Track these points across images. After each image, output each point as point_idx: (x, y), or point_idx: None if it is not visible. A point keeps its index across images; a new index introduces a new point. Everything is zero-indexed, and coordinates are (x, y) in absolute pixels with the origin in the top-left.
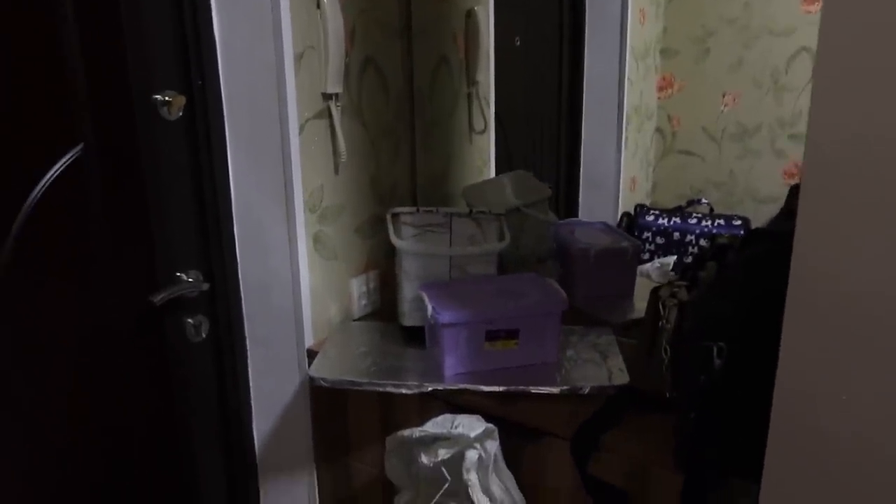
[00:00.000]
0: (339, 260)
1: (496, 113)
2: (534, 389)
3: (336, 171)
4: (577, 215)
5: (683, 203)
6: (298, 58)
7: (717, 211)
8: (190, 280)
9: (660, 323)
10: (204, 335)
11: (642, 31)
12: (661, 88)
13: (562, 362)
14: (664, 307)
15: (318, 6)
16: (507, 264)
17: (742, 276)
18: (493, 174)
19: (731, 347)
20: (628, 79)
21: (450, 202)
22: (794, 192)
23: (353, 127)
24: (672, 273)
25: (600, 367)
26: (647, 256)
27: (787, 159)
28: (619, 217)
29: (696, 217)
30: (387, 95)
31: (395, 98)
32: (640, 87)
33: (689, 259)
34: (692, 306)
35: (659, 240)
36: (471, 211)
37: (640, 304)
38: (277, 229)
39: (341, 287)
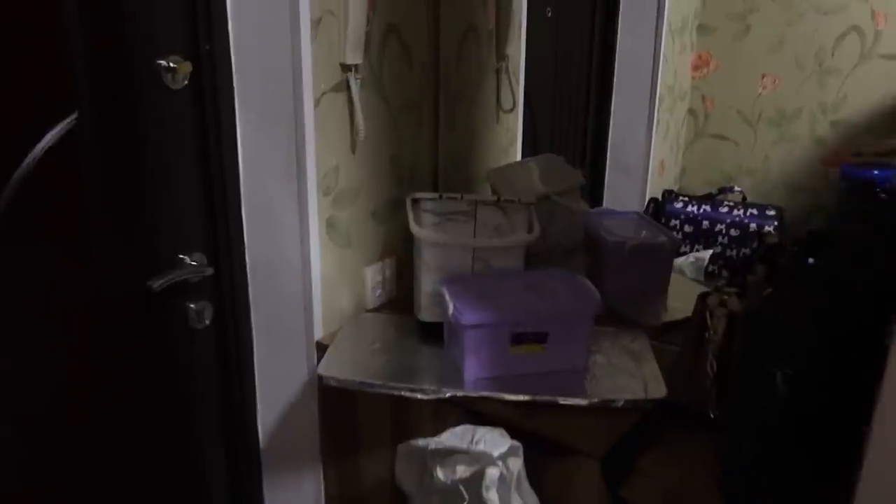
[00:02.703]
0: (352, 247)
1: (525, 90)
2: (562, 400)
3: (353, 150)
4: (602, 199)
5: (714, 190)
6: (316, 24)
7: (749, 199)
8: (193, 263)
9: (706, 333)
10: (207, 322)
11: (680, 4)
12: (695, 67)
13: (591, 369)
14: (712, 316)
15: None
16: (532, 256)
17: (827, 299)
18: (519, 156)
19: (799, 375)
20: (663, 55)
21: (473, 185)
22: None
23: (373, 101)
24: (710, 268)
25: (634, 376)
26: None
27: (827, 147)
28: (646, 202)
29: (727, 205)
30: (410, 67)
31: (419, 70)
32: (675, 65)
33: (730, 253)
34: (748, 319)
35: (687, 228)
36: (498, 199)
37: (675, 304)
38: (288, 212)
39: (355, 275)
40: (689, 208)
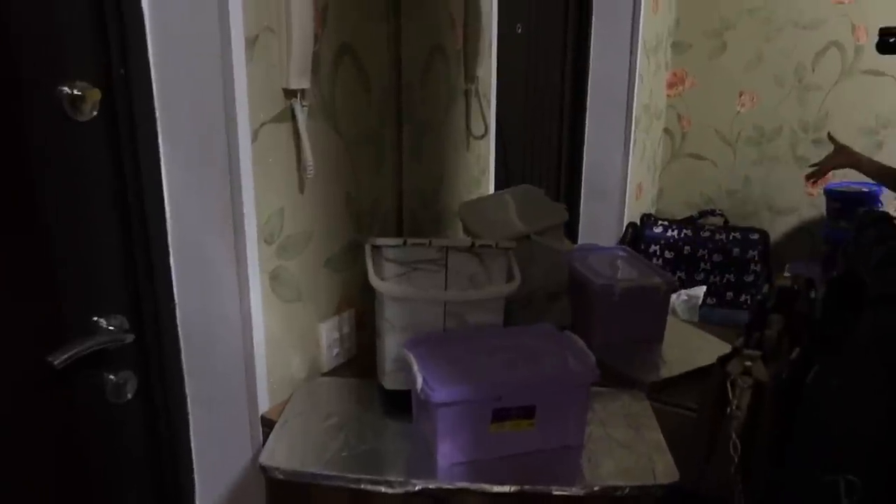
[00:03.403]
0: (303, 301)
1: (496, 113)
2: (556, 490)
3: (301, 189)
4: (578, 225)
5: (694, 213)
6: (251, 43)
7: (731, 222)
8: (111, 328)
9: (728, 409)
10: (129, 395)
11: (654, 21)
12: (671, 86)
13: (587, 444)
14: (734, 387)
15: None
16: (512, 302)
17: (883, 385)
18: (491, 186)
19: (870, 484)
20: (639, 74)
21: (443, 223)
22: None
23: (324, 132)
24: (703, 308)
25: (637, 452)
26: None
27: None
28: (624, 227)
29: (709, 229)
30: (367, 92)
31: (378, 95)
32: (650, 84)
33: (713, 279)
34: (782, 395)
35: (668, 254)
36: (472, 244)
37: (673, 354)
38: (224, 265)
39: (307, 334)
40: (670, 233)
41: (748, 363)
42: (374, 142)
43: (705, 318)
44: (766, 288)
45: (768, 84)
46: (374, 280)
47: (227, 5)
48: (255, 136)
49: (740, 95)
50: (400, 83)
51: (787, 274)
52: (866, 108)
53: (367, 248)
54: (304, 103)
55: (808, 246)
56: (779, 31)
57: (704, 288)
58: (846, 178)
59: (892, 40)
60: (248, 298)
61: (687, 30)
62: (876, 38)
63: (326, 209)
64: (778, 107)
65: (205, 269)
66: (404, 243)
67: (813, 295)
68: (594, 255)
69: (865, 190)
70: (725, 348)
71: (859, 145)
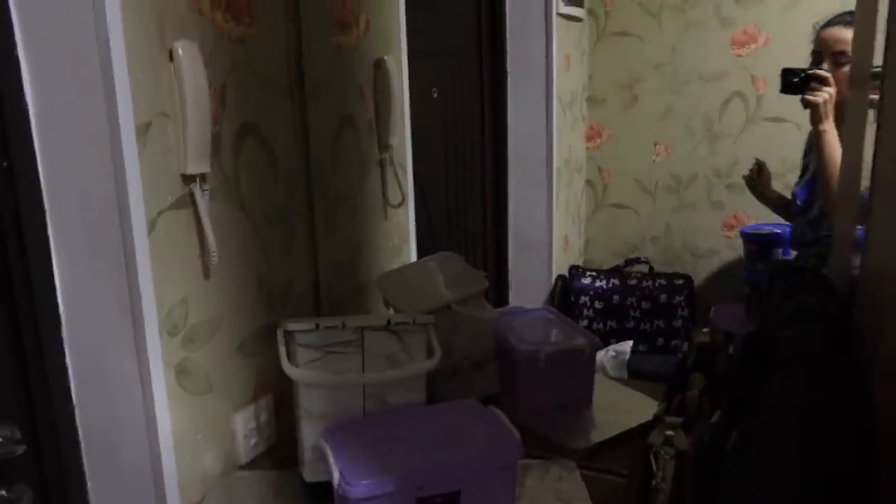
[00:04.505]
0: (215, 392)
1: (414, 178)
2: None
3: (206, 275)
4: (507, 282)
5: (620, 262)
6: (144, 129)
7: (656, 269)
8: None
9: (653, 482)
10: None
11: (568, 77)
12: (589, 138)
13: None
14: (657, 458)
15: (171, 58)
16: (436, 374)
17: (799, 437)
18: (414, 254)
19: None
20: (556, 129)
21: (363, 295)
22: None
23: (229, 214)
24: (635, 356)
25: None
26: (584, 323)
27: (725, 210)
28: (553, 280)
29: (635, 277)
30: (274, 170)
31: (286, 172)
32: (569, 139)
33: (643, 326)
34: (701, 462)
35: (598, 304)
36: (388, 322)
37: (602, 417)
38: (124, 363)
39: (220, 427)
40: (598, 283)
41: (669, 432)
42: (283, 219)
43: (636, 368)
44: (685, 346)
45: (680, 134)
46: (287, 367)
47: (115, 92)
48: (151, 225)
49: (655, 145)
50: (309, 158)
51: (705, 329)
52: (772, 152)
53: (280, 334)
54: (205, 187)
55: (730, 288)
56: (685, 83)
57: (631, 342)
58: (759, 220)
59: (796, 80)
60: (151, 395)
61: (599, 84)
62: (776, 86)
63: (235, 294)
64: (691, 155)
65: (104, 367)
66: (317, 326)
67: (731, 350)
68: (518, 318)
69: (779, 231)
70: (653, 407)
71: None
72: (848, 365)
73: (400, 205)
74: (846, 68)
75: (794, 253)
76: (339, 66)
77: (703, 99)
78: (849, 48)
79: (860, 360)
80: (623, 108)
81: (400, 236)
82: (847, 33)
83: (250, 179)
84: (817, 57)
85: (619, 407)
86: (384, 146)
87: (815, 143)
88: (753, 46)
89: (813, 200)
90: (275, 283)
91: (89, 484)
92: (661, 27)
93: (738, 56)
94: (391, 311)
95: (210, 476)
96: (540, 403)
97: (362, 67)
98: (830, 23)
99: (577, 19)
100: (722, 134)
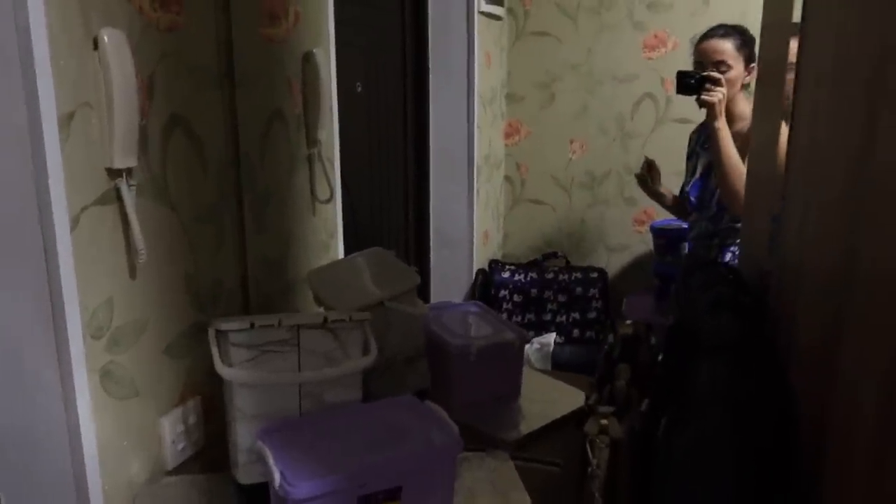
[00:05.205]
0: (141, 395)
1: (341, 175)
2: None
3: (132, 274)
4: (429, 276)
5: (538, 256)
6: (66, 121)
7: (572, 263)
8: None
9: (588, 469)
10: None
11: (489, 74)
12: (507, 135)
13: None
14: (593, 447)
15: (96, 47)
16: (370, 370)
17: (730, 435)
18: (341, 249)
19: None
20: (477, 125)
21: (291, 294)
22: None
23: (156, 211)
24: (555, 348)
25: None
26: (504, 316)
27: (636, 206)
28: (473, 275)
29: (552, 271)
30: (203, 165)
31: (216, 167)
32: (489, 135)
33: (560, 319)
34: (635, 449)
35: (517, 297)
36: (325, 320)
37: (531, 408)
38: (45, 369)
39: (147, 431)
40: (517, 277)
41: (603, 422)
42: (212, 216)
43: (557, 359)
44: (610, 337)
45: (595, 132)
46: (220, 368)
47: (36, 80)
48: (74, 222)
49: (571, 143)
50: (238, 152)
51: (629, 321)
52: (679, 152)
53: (211, 334)
54: (132, 182)
55: (641, 280)
56: (599, 83)
57: (554, 334)
58: (667, 216)
59: (692, 81)
60: (73, 401)
61: (518, 82)
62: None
63: (163, 293)
64: (605, 153)
65: (23, 374)
66: (251, 326)
67: (653, 341)
68: (448, 313)
69: (685, 227)
70: (579, 396)
71: (676, 188)
72: (767, 353)
73: (328, 200)
74: (728, 74)
75: (693, 245)
76: (268, 59)
77: (616, 99)
78: (727, 57)
79: (776, 348)
80: (540, 107)
81: (328, 232)
82: (724, 44)
83: (179, 175)
84: (699, 67)
85: (546, 398)
86: (312, 141)
87: (711, 140)
88: (663, 50)
89: (707, 196)
90: (203, 283)
91: (4, 500)
92: (577, 28)
93: (649, 59)
94: (322, 308)
95: (136, 483)
96: (472, 397)
97: (291, 60)
98: (707, 36)
99: (497, 17)
100: (634, 133)
